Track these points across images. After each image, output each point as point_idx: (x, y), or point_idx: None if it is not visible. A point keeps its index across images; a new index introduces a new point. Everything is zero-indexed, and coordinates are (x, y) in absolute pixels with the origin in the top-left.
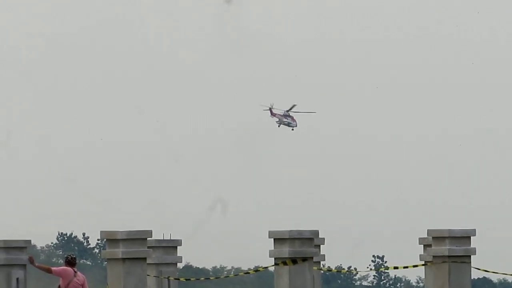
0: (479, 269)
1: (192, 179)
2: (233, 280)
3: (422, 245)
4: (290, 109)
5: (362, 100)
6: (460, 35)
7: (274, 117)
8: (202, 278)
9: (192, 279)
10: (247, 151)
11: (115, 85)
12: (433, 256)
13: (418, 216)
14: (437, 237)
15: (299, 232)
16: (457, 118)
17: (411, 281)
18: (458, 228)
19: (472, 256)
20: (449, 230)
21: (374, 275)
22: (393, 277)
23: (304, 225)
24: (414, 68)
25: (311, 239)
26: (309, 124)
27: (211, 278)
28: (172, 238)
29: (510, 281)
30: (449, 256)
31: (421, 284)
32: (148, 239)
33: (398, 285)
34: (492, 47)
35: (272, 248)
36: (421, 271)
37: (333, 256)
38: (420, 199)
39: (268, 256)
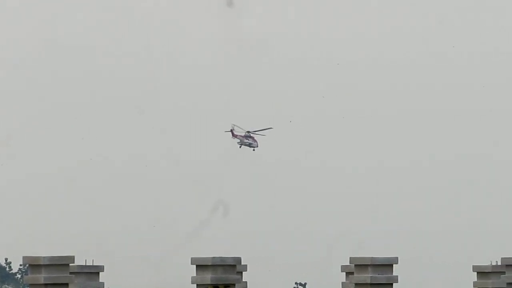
0: None
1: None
2: None
3: (345, 273)
4: (260, 130)
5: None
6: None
7: (236, 138)
8: None
9: None
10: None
11: (115, 86)
12: (356, 284)
13: (341, 244)
14: (359, 265)
15: (222, 259)
16: (391, 150)
17: None
18: (380, 256)
19: (394, 284)
20: (372, 258)
21: None
22: None
23: (227, 251)
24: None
25: (234, 266)
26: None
27: None
28: (94, 264)
29: None
30: (371, 284)
31: None
32: (70, 264)
33: None
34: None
35: (195, 275)
36: None
37: (255, 283)
38: (343, 227)
39: (190, 282)
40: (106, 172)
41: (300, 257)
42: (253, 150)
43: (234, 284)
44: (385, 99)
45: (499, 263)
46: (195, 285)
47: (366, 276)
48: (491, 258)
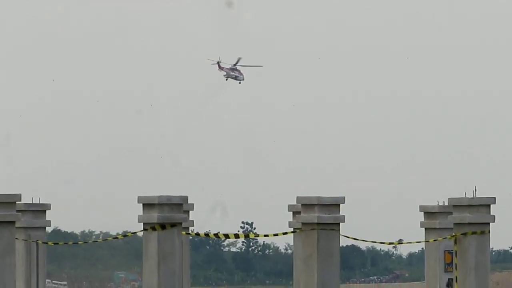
0: (348, 237)
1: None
2: (102, 245)
3: (291, 212)
4: (237, 62)
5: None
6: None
7: (222, 71)
8: (70, 243)
9: (60, 243)
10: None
11: (115, 86)
12: (302, 223)
13: (288, 183)
14: (306, 205)
15: (168, 197)
16: (332, 85)
17: (279, 248)
18: (327, 196)
19: (341, 224)
20: (318, 197)
21: (242, 242)
22: (262, 243)
23: (174, 191)
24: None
25: (180, 205)
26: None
27: (79, 242)
28: (41, 202)
29: (378, 249)
30: (318, 224)
31: (290, 251)
32: (17, 202)
33: (266, 252)
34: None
35: (141, 213)
36: (289, 238)
37: (202, 222)
38: (291, 166)
39: (137, 221)
40: (57, 108)
41: (247, 197)
42: (239, 83)
43: (181, 223)
44: (322, 34)
45: (446, 204)
46: (141, 223)
47: (312, 216)
48: (438, 198)
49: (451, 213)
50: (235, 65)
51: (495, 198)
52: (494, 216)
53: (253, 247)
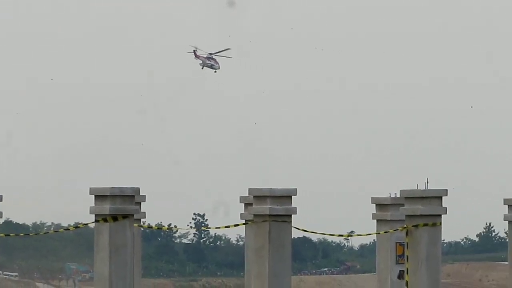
0: (299, 228)
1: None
2: (53, 236)
3: (243, 204)
4: (219, 52)
5: None
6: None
7: (198, 59)
8: (22, 234)
9: (11, 234)
10: None
11: (115, 86)
12: (254, 215)
13: (242, 175)
14: (258, 196)
15: (121, 189)
16: (281, 75)
17: (231, 239)
18: (279, 188)
19: (293, 216)
20: (270, 189)
21: (194, 233)
22: (213, 235)
23: (126, 182)
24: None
25: (132, 197)
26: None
27: (31, 234)
28: None
29: (330, 241)
30: (270, 215)
31: (241, 242)
32: None
33: (218, 243)
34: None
35: (93, 205)
36: (241, 230)
37: (154, 214)
38: (243, 157)
39: (88, 213)
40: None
41: (199, 189)
42: (215, 71)
43: (132, 215)
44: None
45: (398, 195)
46: (93, 215)
47: (264, 208)
48: (391, 190)
49: (403, 205)
50: (211, 54)
51: (447, 190)
52: (446, 208)
53: (204, 239)
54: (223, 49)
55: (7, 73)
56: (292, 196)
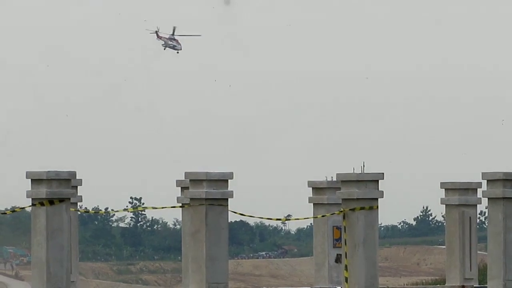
0: (235, 212)
1: None
2: None
3: (180, 188)
4: (173, 32)
5: None
6: None
7: (160, 40)
8: None
9: None
10: None
11: (113, 85)
12: (191, 199)
13: (177, 159)
14: (194, 180)
15: (57, 173)
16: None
17: (168, 223)
18: (215, 171)
19: (229, 199)
20: (207, 173)
21: (131, 217)
22: (150, 219)
23: (62, 165)
24: None
25: (69, 180)
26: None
27: None
28: None
29: (267, 224)
30: (206, 199)
31: (178, 226)
32: None
33: (155, 227)
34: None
35: (30, 189)
36: (178, 213)
37: (90, 198)
38: (179, 142)
39: (25, 196)
40: None
41: (135, 173)
42: (177, 52)
43: (69, 198)
44: None
45: (335, 179)
46: (30, 199)
47: (201, 192)
48: (327, 174)
49: (339, 188)
50: (173, 34)
51: (383, 173)
52: (382, 191)
53: (141, 223)
54: (193, 34)
55: None
56: (229, 180)
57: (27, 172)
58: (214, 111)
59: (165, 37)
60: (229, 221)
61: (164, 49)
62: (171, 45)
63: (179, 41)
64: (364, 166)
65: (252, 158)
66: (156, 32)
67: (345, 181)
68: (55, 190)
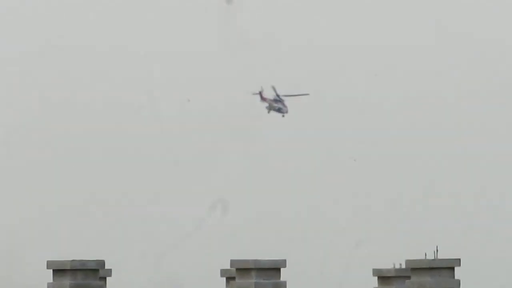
0: None
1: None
2: None
3: (225, 278)
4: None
5: None
6: None
7: (264, 102)
8: None
9: None
10: None
11: (113, 85)
12: None
13: (220, 244)
14: (241, 269)
15: (82, 262)
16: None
17: None
18: (265, 259)
19: None
20: (255, 260)
21: None
22: None
23: (88, 253)
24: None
25: (96, 271)
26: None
27: None
28: None
29: None
30: None
31: None
32: None
33: None
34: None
35: (51, 281)
36: None
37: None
38: (223, 226)
39: None
40: None
41: (174, 260)
42: (283, 116)
43: None
44: None
45: (403, 266)
46: None
47: (250, 282)
48: (394, 260)
49: (409, 277)
50: (278, 96)
51: (459, 259)
52: (459, 280)
53: None
54: (300, 94)
55: None
56: (281, 268)
57: (48, 262)
58: None
59: (269, 99)
60: None
61: (268, 112)
62: (276, 108)
63: (285, 103)
64: (437, 250)
65: (302, 243)
66: (260, 93)
67: (416, 268)
68: (81, 282)
